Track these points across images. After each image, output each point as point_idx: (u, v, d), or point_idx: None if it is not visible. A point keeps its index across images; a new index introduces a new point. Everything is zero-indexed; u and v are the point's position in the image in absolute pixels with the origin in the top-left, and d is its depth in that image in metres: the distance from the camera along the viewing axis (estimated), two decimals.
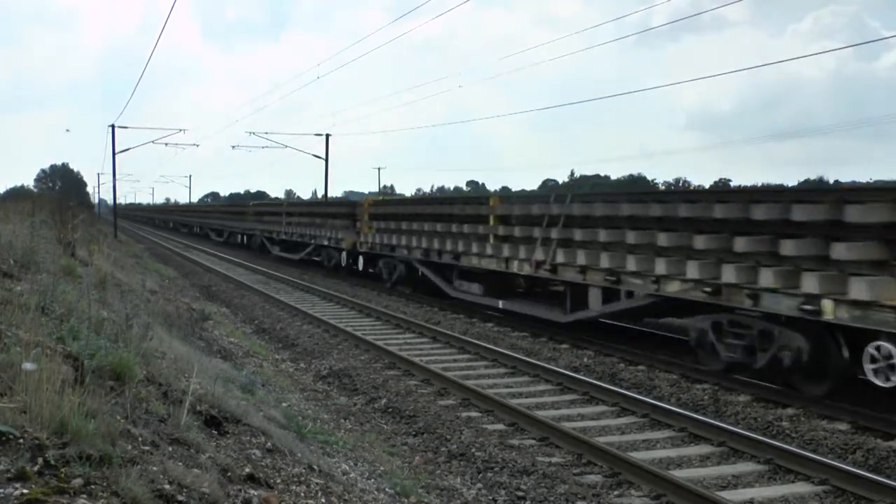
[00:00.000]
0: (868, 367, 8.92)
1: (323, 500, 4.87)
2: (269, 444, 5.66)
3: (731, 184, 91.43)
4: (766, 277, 10.01)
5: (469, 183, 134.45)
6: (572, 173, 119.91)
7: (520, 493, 7.00)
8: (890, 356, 8.66)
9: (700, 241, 11.13)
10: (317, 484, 5.13)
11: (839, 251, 9.24)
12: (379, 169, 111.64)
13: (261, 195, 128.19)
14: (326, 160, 49.69)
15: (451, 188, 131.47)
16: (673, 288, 11.69)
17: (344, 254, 26.65)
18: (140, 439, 4.26)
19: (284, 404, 9.03)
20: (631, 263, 12.54)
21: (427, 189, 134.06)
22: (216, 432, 5.45)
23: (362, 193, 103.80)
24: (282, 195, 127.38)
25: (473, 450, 8.17)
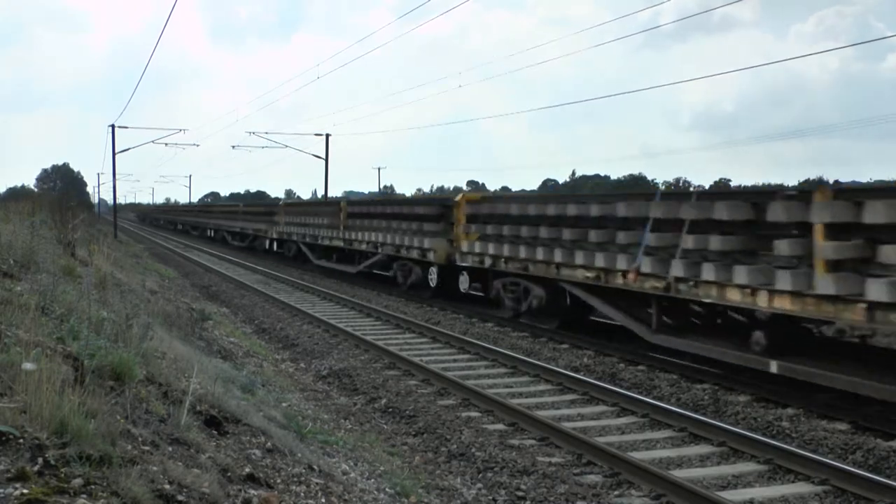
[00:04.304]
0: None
1: (323, 500, 4.88)
2: (269, 444, 5.66)
3: (731, 184, 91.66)
4: (404, 240, 21.70)
5: (469, 182, 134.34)
6: (573, 173, 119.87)
7: (520, 493, 6.99)
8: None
9: (394, 224, 22.81)
10: (317, 484, 5.14)
11: (406, 225, 21.91)
12: (379, 169, 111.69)
13: (261, 195, 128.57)
14: (326, 160, 49.84)
15: (451, 188, 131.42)
16: (387, 249, 23.10)
17: (267, 241, 37.97)
18: (140, 439, 4.26)
19: (284, 404, 9.03)
20: (378, 238, 23.70)
21: (427, 189, 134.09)
22: (216, 432, 5.45)
23: (362, 193, 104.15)
24: (282, 195, 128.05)
25: (473, 450, 8.16)
